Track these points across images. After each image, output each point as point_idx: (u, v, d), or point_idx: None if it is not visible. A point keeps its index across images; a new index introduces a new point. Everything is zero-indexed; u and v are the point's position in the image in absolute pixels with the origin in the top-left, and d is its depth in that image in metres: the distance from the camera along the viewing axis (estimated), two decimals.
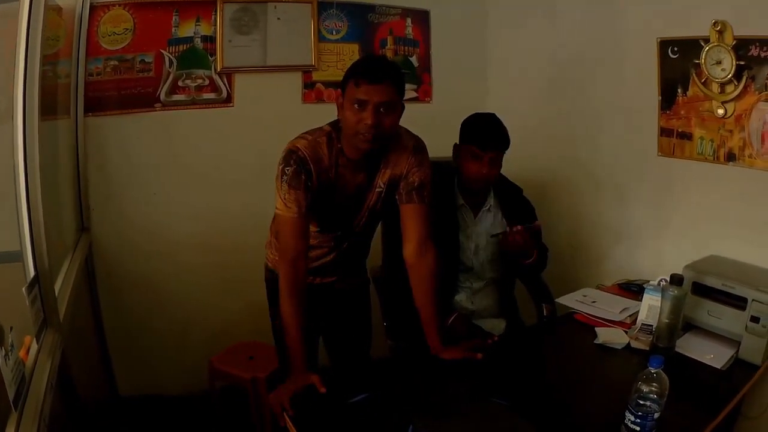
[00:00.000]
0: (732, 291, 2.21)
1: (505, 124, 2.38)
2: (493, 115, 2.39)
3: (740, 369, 2.12)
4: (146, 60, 2.90)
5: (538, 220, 2.59)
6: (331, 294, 2.31)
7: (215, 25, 2.97)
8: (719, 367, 2.08)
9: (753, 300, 2.13)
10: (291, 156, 1.93)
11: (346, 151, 1.99)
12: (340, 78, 1.98)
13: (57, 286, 2.18)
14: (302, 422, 1.72)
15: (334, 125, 2.02)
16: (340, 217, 2.14)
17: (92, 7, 2.76)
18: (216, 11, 2.96)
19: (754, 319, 2.13)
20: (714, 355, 2.14)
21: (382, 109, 1.87)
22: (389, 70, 1.92)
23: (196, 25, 2.94)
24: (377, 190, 2.10)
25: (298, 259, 1.97)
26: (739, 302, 2.18)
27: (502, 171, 2.46)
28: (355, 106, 1.86)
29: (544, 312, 2.64)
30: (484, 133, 2.33)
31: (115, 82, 2.87)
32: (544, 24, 3.40)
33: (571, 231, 3.39)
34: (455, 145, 2.43)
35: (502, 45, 3.71)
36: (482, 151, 2.30)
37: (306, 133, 2.01)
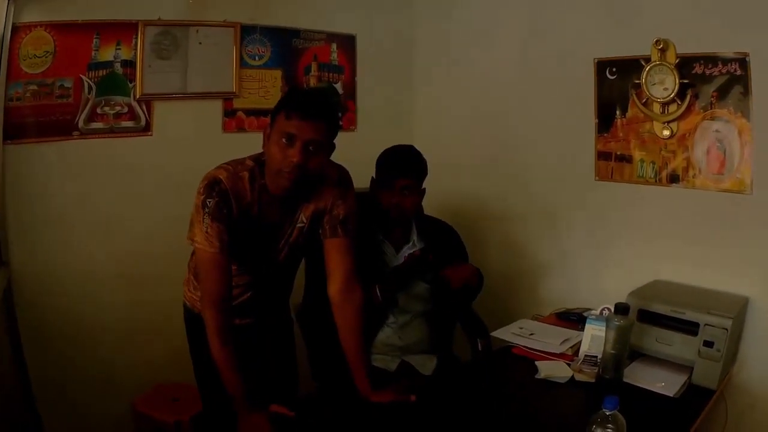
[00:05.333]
0: (682, 317, 2.16)
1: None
2: (411, 146, 2.36)
3: (694, 395, 2.07)
4: (65, 85, 2.72)
5: (469, 260, 2.55)
6: (250, 336, 2.10)
7: (135, 49, 2.82)
8: (672, 395, 2.01)
9: (705, 324, 2.10)
10: (213, 188, 1.79)
11: (270, 187, 1.85)
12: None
13: None
14: None
15: (257, 159, 1.88)
16: (258, 254, 2.00)
17: (15, 28, 2.59)
18: (137, 35, 2.81)
19: (708, 344, 2.09)
20: (665, 383, 2.07)
21: (311, 148, 1.75)
22: (326, 108, 1.82)
23: (116, 49, 2.78)
24: (299, 225, 1.97)
25: (222, 301, 1.82)
26: (690, 327, 2.14)
27: (432, 204, 2.38)
28: (283, 140, 1.74)
29: (479, 347, 2.51)
30: (395, 161, 2.30)
31: (34, 107, 2.68)
32: (475, 50, 3.33)
33: (502, 261, 3.29)
34: (371, 179, 2.37)
35: (430, 71, 3.62)
36: (394, 179, 2.25)
37: (227, 164, 1.87)
